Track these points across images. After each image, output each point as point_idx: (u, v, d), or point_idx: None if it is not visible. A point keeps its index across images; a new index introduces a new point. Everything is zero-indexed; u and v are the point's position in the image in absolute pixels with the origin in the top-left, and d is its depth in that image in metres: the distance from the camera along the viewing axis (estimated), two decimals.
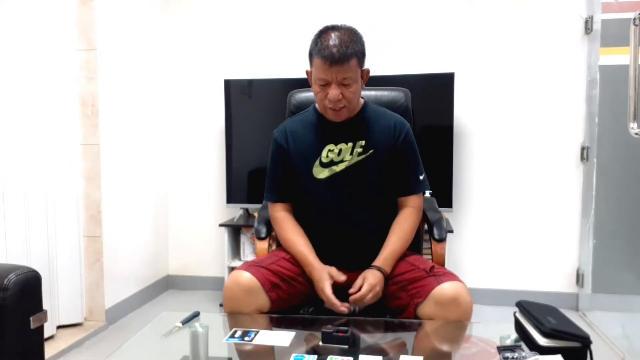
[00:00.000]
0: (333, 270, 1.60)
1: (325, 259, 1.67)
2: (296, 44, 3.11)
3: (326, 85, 1.56)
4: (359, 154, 1.66)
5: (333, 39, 1.52)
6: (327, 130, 1.68)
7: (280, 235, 1.73)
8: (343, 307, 1.52)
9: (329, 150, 1.67)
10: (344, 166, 1.66)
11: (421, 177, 1.73)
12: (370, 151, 1.66)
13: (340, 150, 1.66)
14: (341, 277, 1.58)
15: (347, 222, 1.67)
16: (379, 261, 1.61)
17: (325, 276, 1.57)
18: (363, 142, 1.66)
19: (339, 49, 1.50)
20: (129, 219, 3.04)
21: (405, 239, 1.67)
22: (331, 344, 1.31)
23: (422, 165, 1.75)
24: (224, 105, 3.16)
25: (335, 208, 1.67)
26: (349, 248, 1.68)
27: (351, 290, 1.54)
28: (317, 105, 1.71)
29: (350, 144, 1.66)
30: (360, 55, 1.57)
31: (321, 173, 1.67)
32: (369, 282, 1.54)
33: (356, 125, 1.68)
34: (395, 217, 1.73)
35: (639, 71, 1.82)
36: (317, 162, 1.67)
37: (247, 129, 3.17)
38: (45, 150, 2.46)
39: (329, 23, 1.62)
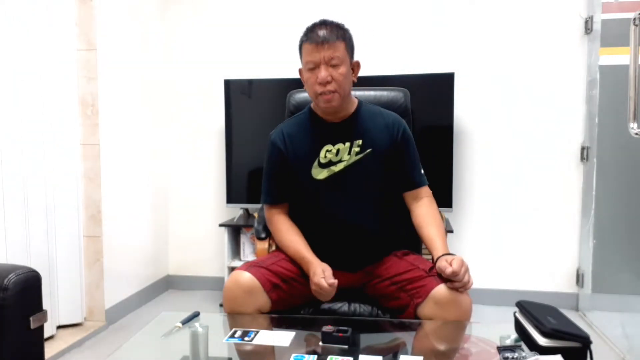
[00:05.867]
0: (328, 269, 1.56)
1: (326, 259, 1.67)
2: (296, 44, 3.08)
3: (315, 68, 1.59)
4: (357, 154, 1.67)
5: (320, 26, 1.61)
6: (324, 130, 1.69)
7: (276, 237, 1.73)
8: (331, 281, 1.50)
9: (327, 151, 1.67)
10: (342, 166, 1.67)
11: (422, 172, 1.75)
12: (368, 150, 1.67)
13: (338, 150, 1.67)
14: (333, 279, 1.53)
15: (347, 222, 1.67)
16: (439, 251, 1.56)
17: (320, 271, 1.54)
18: (360, 142, 1.67)
19: (325, 32, 1.58)
20: (129, 219, 3.04)
21: (442, 226, 1.66)
22: (331, 344, 1.31)
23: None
24: (224, 105, 3.16)
25: (335, 208, 1.68)
26: (350, 248, 1.68)
27: (447, 271, 1.44)
28: (311, 105, 1.74)
29: (347, 144, 1.67)
30: (348, 41, 1.62)
31: (320, 174, 1.68)
32: (454, 260, 1.46)
33: (352, 124, 1.70)
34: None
35: (639, 71, 1.82)
36: (316, 163, 1.68)
37: (247, 129, 3.17)
38: (45, 150, 2.46)
39: None
